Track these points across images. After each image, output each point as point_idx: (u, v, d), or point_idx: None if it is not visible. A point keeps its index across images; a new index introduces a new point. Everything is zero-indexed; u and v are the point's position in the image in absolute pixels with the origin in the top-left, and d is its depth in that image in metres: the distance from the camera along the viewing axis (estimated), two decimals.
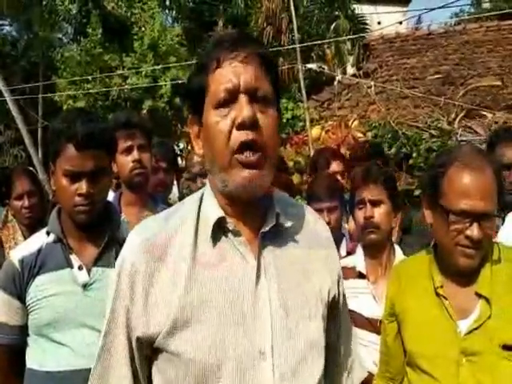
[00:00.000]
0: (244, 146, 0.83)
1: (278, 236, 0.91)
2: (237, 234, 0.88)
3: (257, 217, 0.90)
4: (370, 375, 1.70)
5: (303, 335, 0.88)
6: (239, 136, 0.83)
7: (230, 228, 0.88)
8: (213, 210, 0.89)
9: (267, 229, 0.89)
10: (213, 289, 0.85)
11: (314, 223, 1.00)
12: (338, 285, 0.99)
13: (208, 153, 0.88)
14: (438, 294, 1.25)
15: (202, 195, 0.93)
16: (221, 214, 0.87)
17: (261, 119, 0.84)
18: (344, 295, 1.04)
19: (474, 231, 1.16)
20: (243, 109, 0.82)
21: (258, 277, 0.87)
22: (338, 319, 1.00)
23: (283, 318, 0.87)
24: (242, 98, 0.83)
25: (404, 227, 2.21)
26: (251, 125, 0.83)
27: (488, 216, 1.18)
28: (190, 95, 0.91)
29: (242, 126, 0.83)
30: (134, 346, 0.88)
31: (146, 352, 0.88)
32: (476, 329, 1.19)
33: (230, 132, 0.83)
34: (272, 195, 0.93)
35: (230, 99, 0.84)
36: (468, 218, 1.17)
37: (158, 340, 0.84)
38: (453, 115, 5.10)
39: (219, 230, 0.88)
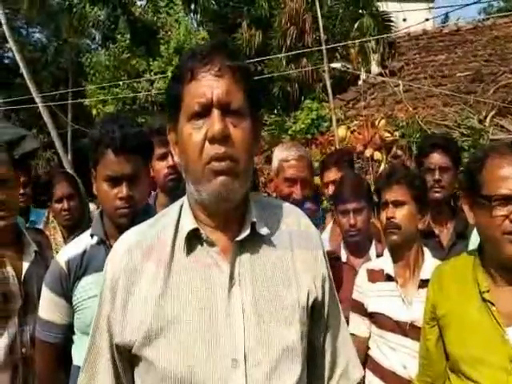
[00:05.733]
0: (215, 159, 0.85)
1: (256, 243, 0.92)
2: (211, 243, 0.90)
3: (233, 225, 0.92)
4: (397, 377, 1.70)
5: (278, 341, 0.87)
6: (211, 149, 0.85)
7: (204, 238, 0.90)
8: (187, 221, 0.91)
9: (241, 238, 0.90)
10: (186, 298, 0.87)
11: (299, 225, 0.99)
12: (323, 286, 0.97)
13: (183, 162, 0.90)
14: (484, 299, 1.22)
15: (182, 204, 0.95)
16: (194, 225, 0.90)
17: (233, 132, 0.86)
18: (332, 296, 1.01)
19: None
20: (214, 123, 0.84)
21: (231, 285, 0.88)
22: (322, 321, 0.99)
23: (256, 325, 0.87)
24: (215, 112, 0.85)
25: (459, 231, 2.11)
26: (222, 139, 0.84)
27: None
28: (168, 104, 0.93)
29: (213, 140, 0.84)
30: (115, 351, 0.90)
31: (128, 358, 0.90)
32: None
33: (203, 144, 0.85)
34: (249, 202, 0.94)
35: (203, 113, 0.86)
36: (511, 202, 1.15)
37: (133, 348, 0.86)
38: (484, 113, 4.98)
39: (194, 240, 0.90)
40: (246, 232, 0.91)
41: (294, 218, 1.00)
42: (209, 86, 0.86)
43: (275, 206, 1.02)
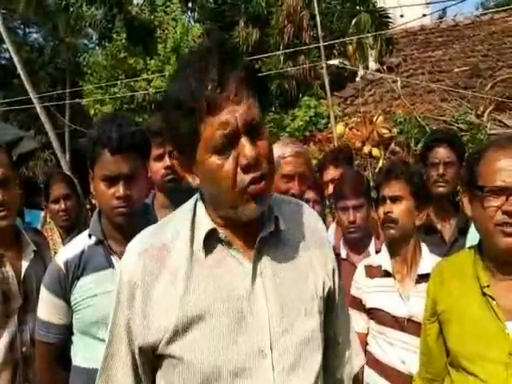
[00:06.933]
0: (252, 183, 0.84)
1: (275, 238, 0.94)
2: (230, 243, 0.90)
3: (253, 223, 0.91)
4: (397, 372, 1.71)
5: (300, 331, 0.90)
6: (247, 177, 0.83)
7: (222, 238, 0.90)
8: (204, 222, 0.91)
9: (266, 234, 0.91)
10: (210, 295, 0.87)
11: (312, 221, 1.03)
12: (333, 276, 1.02)
13: (211, 190, 0.89)
14: (484, 294, 1.21)
15: (195, 205, 0.95)
16: (211, 226, 0.90)
17: (260, 149, 0.85)
18: (340, 286, 1.05)
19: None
20: (247, 151, 0.82)
21: (254, 279, 0.89)
22: (335, 311, 1.04)
23: (280, 317, 0.89)
24: (243, 140, 0.82)
25: (461, 227, 2.12)
26: (256, 164, 0.83)
27: None
28: (177, 138, 0.87)
29: (248, 169, 0.83)
30: (136, 355, 0.90)
31: (150, 359, 0.90)
32: None
33: (236, 173, 0.83)
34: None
35: (230, 143, 0.82)
36: (505, 193, 1.15)
37: (159, 347, 0.86)
38: (481, 108, 4.98)
39: (213, 240, 0.90)
40: (271, 228, 0.92)
41: (304, 216, 1.02)
42: (230, 112, 0.81)
43: (287, 202, 1.04)
